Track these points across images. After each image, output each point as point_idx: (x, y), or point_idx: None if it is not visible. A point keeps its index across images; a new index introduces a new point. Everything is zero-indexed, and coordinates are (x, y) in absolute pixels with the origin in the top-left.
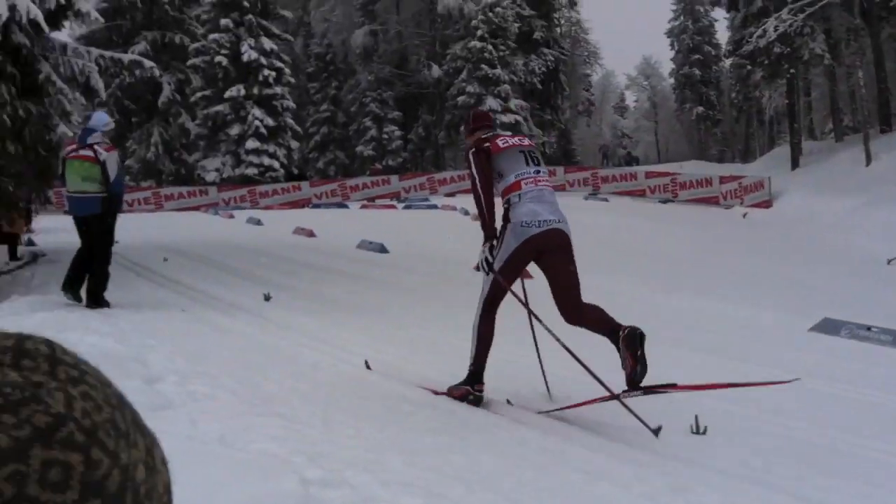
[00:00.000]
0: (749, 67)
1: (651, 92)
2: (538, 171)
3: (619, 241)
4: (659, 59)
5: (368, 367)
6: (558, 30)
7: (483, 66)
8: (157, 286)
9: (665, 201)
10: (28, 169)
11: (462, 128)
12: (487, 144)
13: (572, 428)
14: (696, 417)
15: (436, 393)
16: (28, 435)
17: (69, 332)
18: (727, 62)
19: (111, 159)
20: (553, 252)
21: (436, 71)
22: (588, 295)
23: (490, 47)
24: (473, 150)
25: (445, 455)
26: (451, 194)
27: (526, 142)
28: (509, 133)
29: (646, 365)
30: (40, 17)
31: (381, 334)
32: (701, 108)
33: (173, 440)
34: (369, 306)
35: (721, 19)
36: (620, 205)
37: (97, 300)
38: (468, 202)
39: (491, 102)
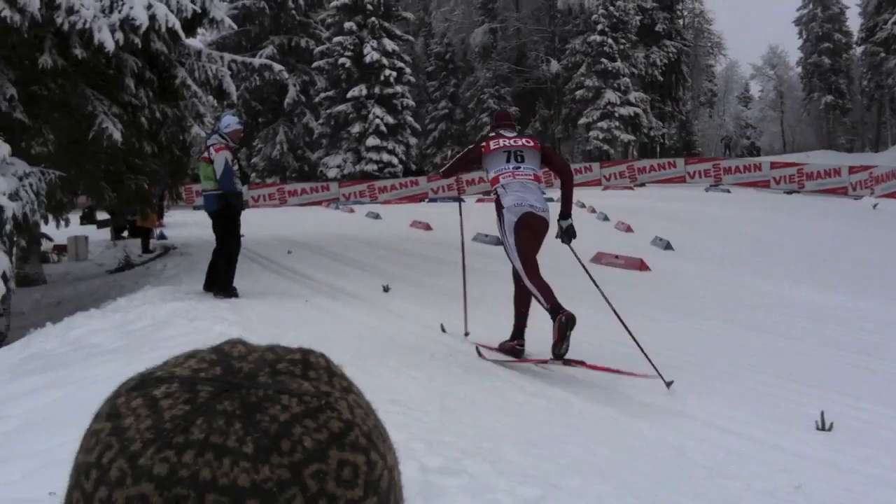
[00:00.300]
0: (882, 55)
1: (777, 81)
2: (517, 168)
3: (744, 233)
4: (786, 48)
5: (444, 331)
6: (681, 21)
7: (603, 59)
8: (281, 277)
9: (791, 192)
10: (162, 167)
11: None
12: (483, 144)
13: (692, 423)
14: (822, 414)
15: (484, 350)
16: (326, 438)
17: (199, 321)
18: (858, 50)
19: (219, 158)
20: (536, 233)
21: (554, 66)
22: (712, 290)
23: (610, 41)
24: (476, 142)
25: (561, 445)
26: None
27: (520, 142)
28: (513, 134)
29: (569, 344)
30: (178, 26)
31: (499, 326)
32: (830, 97)
33: None
34: (486, 298)
35: (852, 6)
36: (743, 196)
37: (225, 290)
38: (584, 194)
39: (610, 95)
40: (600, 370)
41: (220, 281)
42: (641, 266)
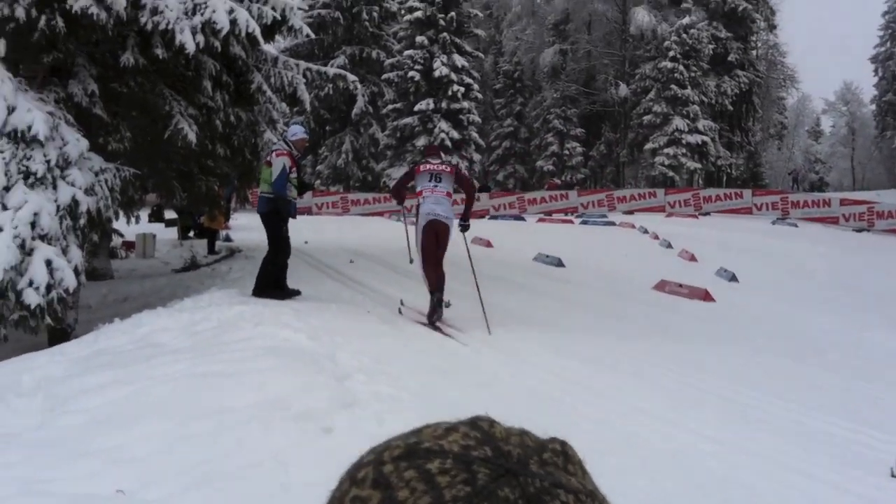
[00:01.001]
0: None
1: (850, 118)
2: (435, 186)
3: (812, 269)
4: (860, 85)
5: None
6: (754, 52)
7: (673, 86)
8: (343, 286)
9: (860, 230)
10: (232, 170)
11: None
12: (415, 167)
13: (763, 463)
14: None
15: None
16: None
17: (264, 326)
18: None
19: (277, 163)
20: (439, 233)
21: (623, 90)
22: (778, 326)
23: (681, 68)
24: (410, 166)
25: (625, 476)
26: (630, 212)
27: (439, 167)
28: (437, 161)
29: (439, 315)
30: (258, 32)
31: (559, 348)
32: None
33: (361, 438)
34: (546, 319)
35: None
36: (811, 232)
37: (280, 292)
38: (647, 220)
39: (678, 122)
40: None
41: (269, 284)
42: (706, 296)
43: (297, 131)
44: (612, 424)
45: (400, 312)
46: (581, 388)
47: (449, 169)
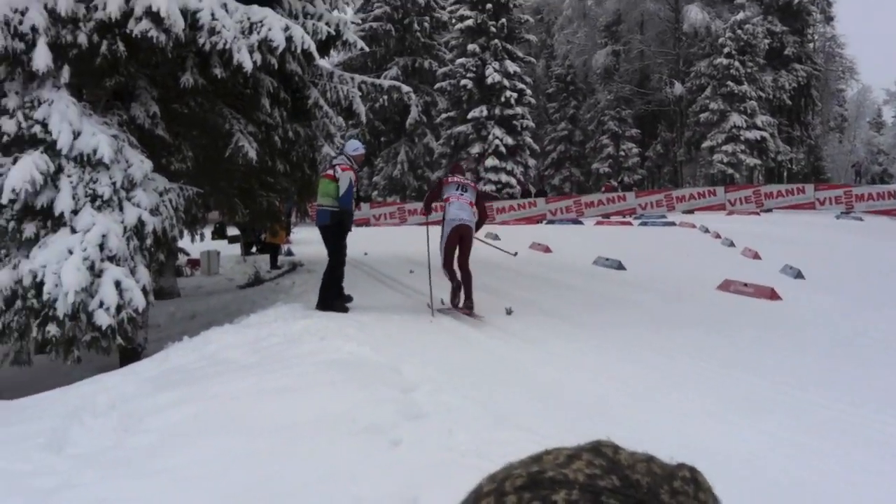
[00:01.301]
0: None
1: None
2: (461, 195)
3: (881, 264)
4: None
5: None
6: (811, 45)
7: (729, 82)
8: (405, 297)
9: None
10: (292, 185)
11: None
12: (442, 179)
13: (835, 466)
14: None
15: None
16: None
17: (329, 339)
18: None
19: (344, 178)
20: (463, 236)
21: (678, 88)
22: (849, 326)
23: (737, 64)
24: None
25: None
26: (690, 211)
27: (464, 180)
28: (460, 175)
29: (457, 303)
30: (313, 48)
31: (622, 354)
32: None
33: (432, 450)
34: (608, 324)
35: None
36: (877, 224)
37: (341, 301)
38: (708, 219)
39: (735, 119)
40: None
41: (332, 296)
42: (772, 295)
43: (357, 146)
44: (682, 431)
45: (431, 310)
46: (647, 395)
47: (473, 184)
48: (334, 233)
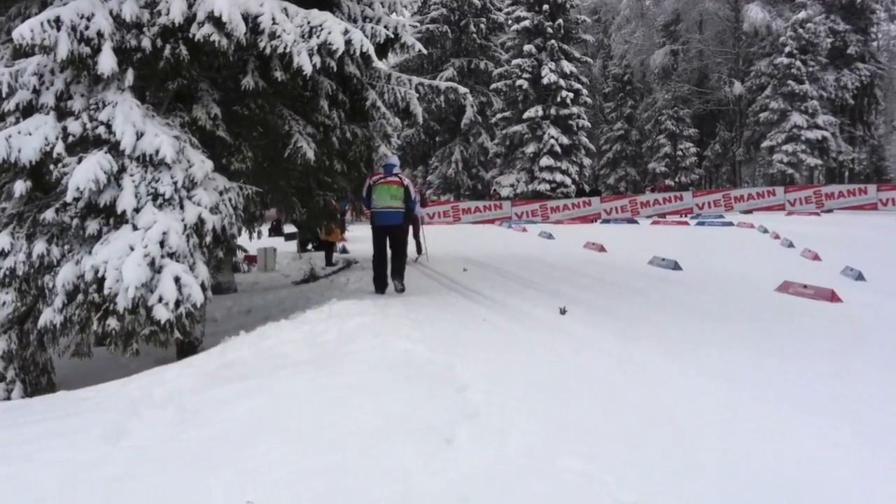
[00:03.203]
0: None
1: None
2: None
3: None
4: None
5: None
6: (875, 44)
7: (790, 81)
8: (458, 295)
9: None
10: (348, 184)
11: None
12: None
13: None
14: None
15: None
16: None
17: (384, 337)
18: None
19: (411, 186)
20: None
21: (737, 88)
22: None
23: (798, 63)
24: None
25: (763, 484)
26: (748, 211)
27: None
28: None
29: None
30: (371, 51)
31: (679, 357)
32: None
33: (486, 450)
34: (664, 325)
35: None
36: None
37: (402, 280)
38: (767, 219)
39: (796, 118)
40: None
41: (398, 276)
42: (832, 297)
43: (398, 162)
44: (742, 436)
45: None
46: (707, 401)
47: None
48: (405, 230)
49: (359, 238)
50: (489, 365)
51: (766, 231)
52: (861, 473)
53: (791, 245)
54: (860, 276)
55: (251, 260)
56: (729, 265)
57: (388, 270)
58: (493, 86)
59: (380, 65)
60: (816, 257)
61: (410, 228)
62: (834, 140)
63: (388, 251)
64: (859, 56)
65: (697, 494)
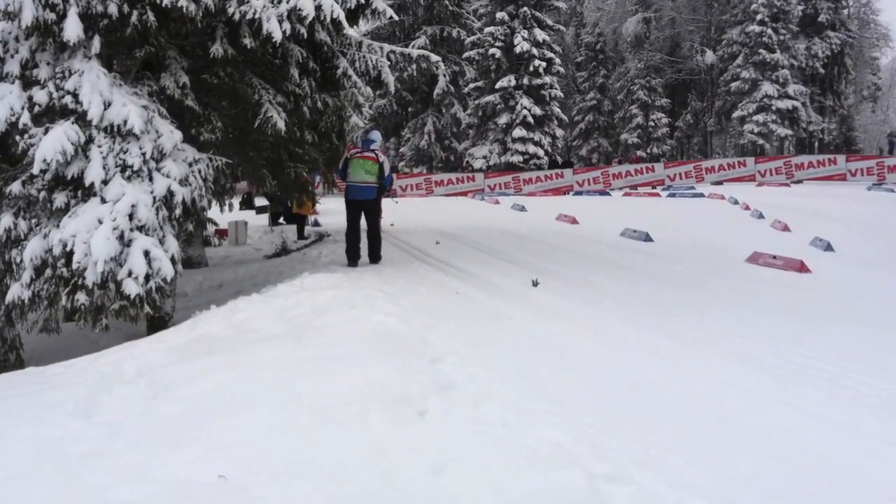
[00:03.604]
0: None
1: None
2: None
3: None
4: None
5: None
6: (846, 12)
7: (761, 50)
8: (431, 268)
9: None
10: (320, 156)
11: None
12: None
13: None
14: None
15: None
16: None
17: (357, 310)
18: None
19: (386, 161)
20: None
21: (709, 57)
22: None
23: (770, 31)
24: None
25: (732, 458)
26: (719, 182)
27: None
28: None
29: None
30: (342, 17)
31: (652, 326)
32: None
33: (459, 421)
34: (636, 296)
35: None
36: None
37: (377, 257)
38: (738, 190)
39: (767, 88)
40: None
41: (373, 252)
42: (801, 268)
43: (379, 138)
44: (714, 405)
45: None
46: (678, 368)
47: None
48: (378, 205)
49: (330, 211)
50: (462, 337)
51: (736, 202)
52: (835, 436)
53: (761, 216)
54: (829, 247)
55: (222, 234)
56: (700, 236)
57: (362, 243)
58: (466, 54)
59: (351, 32)
60: (786, 228)
61: None
62: (804, 110)
63: (364, 224)
64: (830, 24)
65: (672, 465)
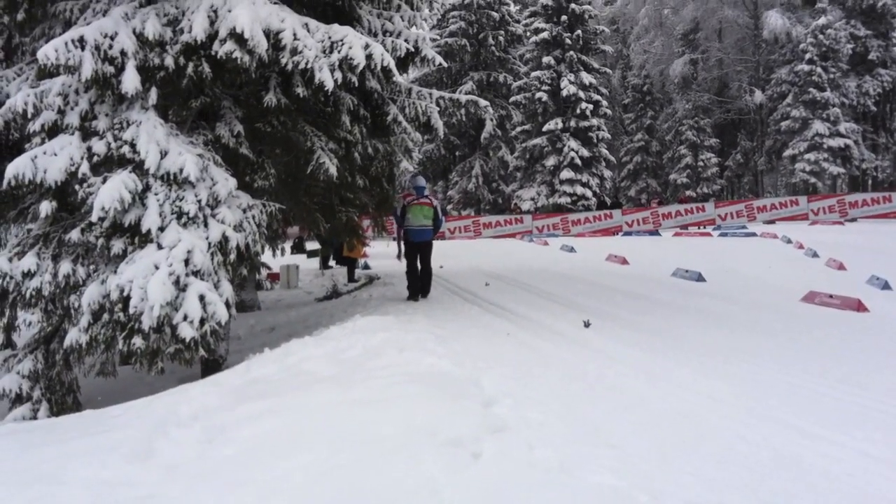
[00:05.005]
0: None
1: None
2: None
3: None
4: None
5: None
6: None
7: (811, 89)
8: (482, 310)
9: None
10: (371, 200)
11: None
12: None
13: None
14: None
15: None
16: None
17: (408, 352)
18: None
19: (438, 206)
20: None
21: (758, 96)
22: None
23: (819, 70)
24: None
25: (790, 499)
26: (771, 221)
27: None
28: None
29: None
30: (392, 65)
31: (708, 368)
32: None
33: (514, 465)
34: (690, 337)
35: None
36: None
37: (428, 291)
38: (790, 229)
39: (818, 126)
40: None
41: (426, 288)
42: (859, 307)
43: (426, 183)
44: (772, 445)
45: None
46: (732, 408)
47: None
48: (432, 245)
49: (381, 254)
50: (515, 379)
51: (789, 241)
52: None
53: (815, 255)
54: (886, 285)
55: (274, 277)
56: (753, 276)
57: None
58: (513, 98)
59: (400, 79)
60: (841, 267)
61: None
62: (856, 148)
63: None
64: (881, 62)
65: None
